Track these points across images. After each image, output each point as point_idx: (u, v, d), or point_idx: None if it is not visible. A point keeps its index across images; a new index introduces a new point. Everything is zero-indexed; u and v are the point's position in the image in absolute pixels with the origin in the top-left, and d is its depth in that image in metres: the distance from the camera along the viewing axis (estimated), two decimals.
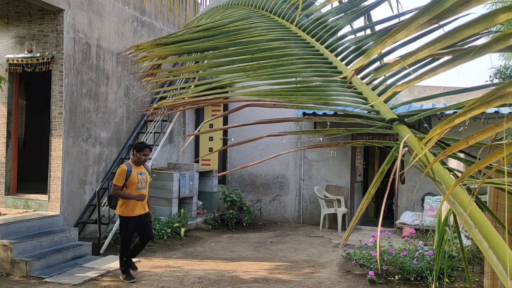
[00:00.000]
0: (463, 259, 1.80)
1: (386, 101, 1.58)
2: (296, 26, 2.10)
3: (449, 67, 0.93)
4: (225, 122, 11.37)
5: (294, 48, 1.90)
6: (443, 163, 1.34)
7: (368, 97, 1.60)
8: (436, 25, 1.34)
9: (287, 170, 11.24)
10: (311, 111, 8.92)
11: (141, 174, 6.18)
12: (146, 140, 9.30)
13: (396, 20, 1.86)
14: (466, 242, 6.99)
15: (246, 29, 2.04)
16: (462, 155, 1.51)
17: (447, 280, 5.92)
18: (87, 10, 8.19)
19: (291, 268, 7.02)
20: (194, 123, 11.67)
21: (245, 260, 7.47)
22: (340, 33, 2.01)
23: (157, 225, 8.71)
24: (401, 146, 1.06)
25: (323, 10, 2.18)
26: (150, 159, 9.16)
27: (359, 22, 2.05)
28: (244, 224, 10.50)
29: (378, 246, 1.13)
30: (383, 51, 1.67)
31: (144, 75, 2.40)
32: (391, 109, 1.52)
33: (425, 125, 8.11)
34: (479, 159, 1.04)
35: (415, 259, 6.18)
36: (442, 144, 1.48)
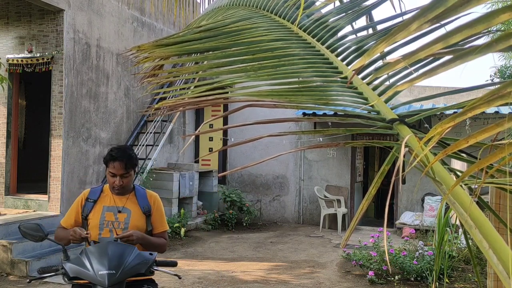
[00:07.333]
0: (471, 258, 1.80)
1: (386, 101, 1.58)
2: (297, 26, 2.10)
3: (450, 66, 0.93)
4: (225, 122, 11.37)
5: (295, 49, 1.90)
6: (444, 163, 1.34)
7: (368, 97, 1.60)
8: (437, 25, 1.34)
9: (287, 170, 11.24)
10: (311, 111, 8.92)
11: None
12: (146, 140, 9.29)
13: (398, 20, 1.86)
14: (466, 242, 6.99)
15: (248, 30, 2.04)
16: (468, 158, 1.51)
17: (447, 280, 5.92)
18: (87, 10, 8.19)
19: (291, 268, 7.02)
20: (194, 123, 11.67)
21: (245, 260, 7.47)
22: (340, 33, 2.01)
23: None
24: (402, 146, 1.06)
25: (324, 10, 2.18)
26: (150, 159, 9.16)
27: (361, 22, 2.05)
28: (244, 224, 10.49)
29: (385, 246, 1.13)
30: (383, 51, 1.67)
31: (146, 76, 2.40)
32: (392, 109, 1.52)
33: (426, 125, 8.12)
34: (480, 159, 1.04)
35: (415, 259, 6.18)
36: (443, 144, 1.48)
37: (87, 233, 2.57)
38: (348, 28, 2.05)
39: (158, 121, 9.55)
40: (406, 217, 9.66)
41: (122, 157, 2.66)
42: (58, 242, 2.54)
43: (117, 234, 2.56)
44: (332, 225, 10.35)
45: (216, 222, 10.30)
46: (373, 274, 6.13)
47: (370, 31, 2.01)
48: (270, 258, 7.66)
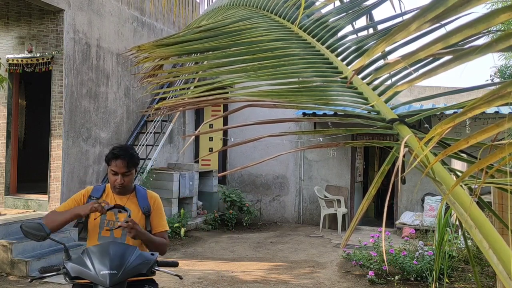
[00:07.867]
0: (470, 259, 1.80)
1: (386, 101, 1.58)
2: (297, 26, 2.10)
3: (450, 66, 0.93)
4: (225, 122, 11.37)
5: (295, 49, 1.90)
6: (444, 163, 1.34)
7: (368, 97, 1.60)
8: (437, 25, 1.34)
9: (287, 170, 11.23)
10: (311, 111, 8.91)
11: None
12: (146, 140, 9.28)
13: (398, 20, 1.85)
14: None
15: (248, 30, 2.04)
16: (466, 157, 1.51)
17: (447, 280, 5.92)
18: (87, 10, 8.19)
19: (291, 268, 7.02)
20: (194, 123, 11.67)
21: (245, 260, 7.47)
22: (341, 33, 2.01)
23: None
24: (402, 146, 1.06)
25: (324, 10, 2.18)
26: (150, 159, 9.16)
27: (361, 22, 2.05)
28: (244, 224, 10.49)
29: (383, 245, 1.14)
30: (383, 51, 1.67)
31: (146, 76, 2.40)
32: (392, 109, 1.52)
33: (426, 125, 8.12)
34: (480, 159, 1.04)
35: (415, 259, 6.18)
36: (443, 144, 1.48)
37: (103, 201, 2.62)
38: (348, 28, 2.05)
39: (158, 121, 9.54)
40: (406, 217, 9.66)
41: (125, 156, 2.67)
42: (60, 242, 2.54)
43: (115, 233, 2.57)
44: (332, 225, 10.34)
45: (216, 222, 10.29)
46: (373, 274, 6.12)
47: (370, 31, 2.01)
48: (270, 258, 7.65)
